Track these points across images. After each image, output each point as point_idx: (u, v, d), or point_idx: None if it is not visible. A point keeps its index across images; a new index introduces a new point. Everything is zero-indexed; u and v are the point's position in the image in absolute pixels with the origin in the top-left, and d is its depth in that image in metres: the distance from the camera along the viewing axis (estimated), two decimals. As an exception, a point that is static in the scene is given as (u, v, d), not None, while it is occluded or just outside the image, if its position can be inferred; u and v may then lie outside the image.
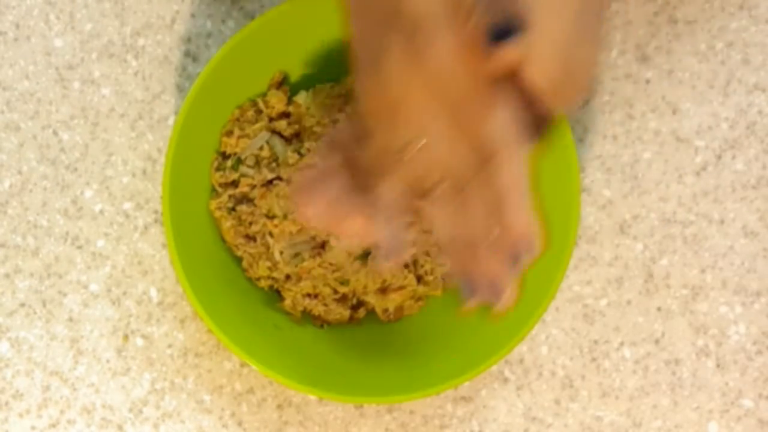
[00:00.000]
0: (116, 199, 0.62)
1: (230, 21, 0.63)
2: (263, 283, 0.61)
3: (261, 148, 0.61)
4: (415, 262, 0.61)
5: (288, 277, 0.61)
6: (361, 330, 0.61)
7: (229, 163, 0.61)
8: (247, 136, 0.60)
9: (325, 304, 0.61)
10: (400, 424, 0.62)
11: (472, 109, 0.43)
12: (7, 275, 0.62)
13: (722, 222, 0.63)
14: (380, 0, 0.43)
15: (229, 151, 0.61)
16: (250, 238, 0.61)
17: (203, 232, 0.60)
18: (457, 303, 0.61)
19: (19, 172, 0.62)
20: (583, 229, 0.63)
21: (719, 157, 0.64)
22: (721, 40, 0.64)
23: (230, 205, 0.61)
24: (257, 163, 0.61)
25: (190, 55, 0.63)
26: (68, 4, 0.63)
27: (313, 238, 0.61)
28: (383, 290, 0.61)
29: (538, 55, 0.42)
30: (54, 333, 0.61)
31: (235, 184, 0.61)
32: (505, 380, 0.62)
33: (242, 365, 0.61)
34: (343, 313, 0.61)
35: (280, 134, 0.61)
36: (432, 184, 0.44)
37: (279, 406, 0.61)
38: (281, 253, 0.60)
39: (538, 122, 0.44)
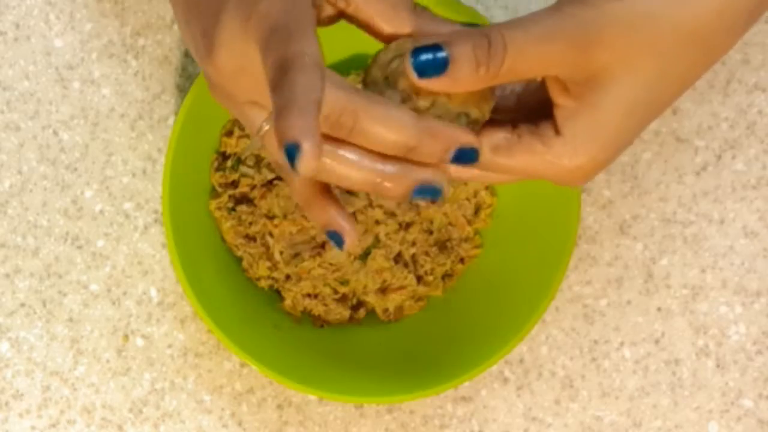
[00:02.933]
0: (116, 199, 0.62)
1: (230, 21, 0.63)
2: (263, 283, 0.61)
3: (261, 148, 0.61)
4: (415, 262, 0.61)
5: (288, 277, 0.61)
6: (361, 330, 0.61)
7: (229, 163, 0.61)
8: (247, 136, 0.60)
9: (325, 304, 0.61)
10: (400, 424, 0.62)
11: None
12: (7, 275, 0.62)
13: (722, 222, 0.63)
14: None
15: (229, 151, 0.61)
16: (250, 238, 0.61)
17: (203, 232, 0.60)
18: (457, 303, 0.62)
19: (19, 172, 0.62)
20: (583, 229, 0.63)
21: (719, 157, 0.64)
22: (721, 40, 0.64)
23: (230, 205, 0.61)
24: (257, 163, 0.61)
25: (190, 55, 0.63)
26: (68, 4, 0.63)
27: (313, 238, 0.61)
28: (383, 290, 0.61)
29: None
30: (54, 333, 0.61)
31: (235, 184, 0.61)
32: (505, 380, 0.62)
33: (242, 365, 0.61)
34: (343, 313, 0.61)
35: (280, 134, 0.61)
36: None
37: (279, 406, 0.61)
38: (281, 253, 0.60)
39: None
